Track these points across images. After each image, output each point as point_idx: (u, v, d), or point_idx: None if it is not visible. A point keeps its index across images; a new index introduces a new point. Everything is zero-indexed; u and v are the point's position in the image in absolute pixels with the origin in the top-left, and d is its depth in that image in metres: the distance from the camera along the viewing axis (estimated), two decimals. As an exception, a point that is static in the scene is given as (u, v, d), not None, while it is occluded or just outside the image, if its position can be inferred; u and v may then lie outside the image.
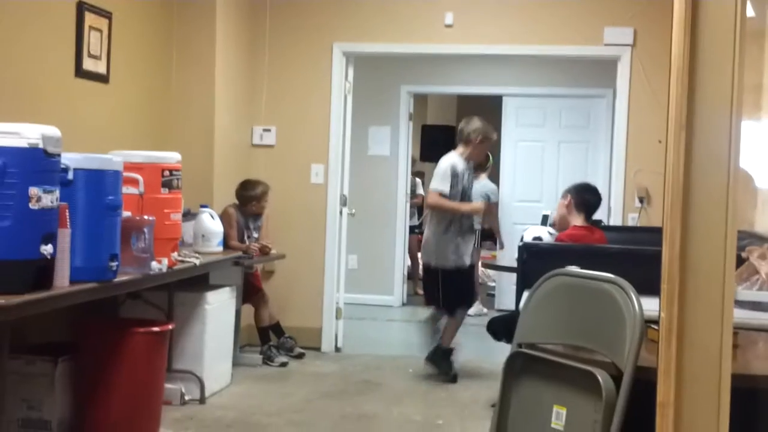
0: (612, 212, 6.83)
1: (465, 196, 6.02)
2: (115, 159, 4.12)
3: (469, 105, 13.02)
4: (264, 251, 6.14)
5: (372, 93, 8.75)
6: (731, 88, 2.05)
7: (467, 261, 6.03)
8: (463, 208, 5.98)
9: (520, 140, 9.04)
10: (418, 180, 10.39)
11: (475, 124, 6.16)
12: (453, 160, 6.00)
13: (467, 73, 8.94)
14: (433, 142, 12.64)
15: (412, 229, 9.72)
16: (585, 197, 5.10)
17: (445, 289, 6.00)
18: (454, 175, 5.93)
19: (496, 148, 10.49)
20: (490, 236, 11.64)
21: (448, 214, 5.94)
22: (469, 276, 6.22)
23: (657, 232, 2.28)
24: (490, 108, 10.43)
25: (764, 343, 3.10)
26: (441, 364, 6.02)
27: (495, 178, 9.33)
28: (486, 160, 8.89)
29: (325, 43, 6.86)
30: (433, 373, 5.98)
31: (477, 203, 6.23)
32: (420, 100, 11.20)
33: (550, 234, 5.48)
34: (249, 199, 6.19)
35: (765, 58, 5.34)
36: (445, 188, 5.89)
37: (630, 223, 6.62)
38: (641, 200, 6.63)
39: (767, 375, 2.72)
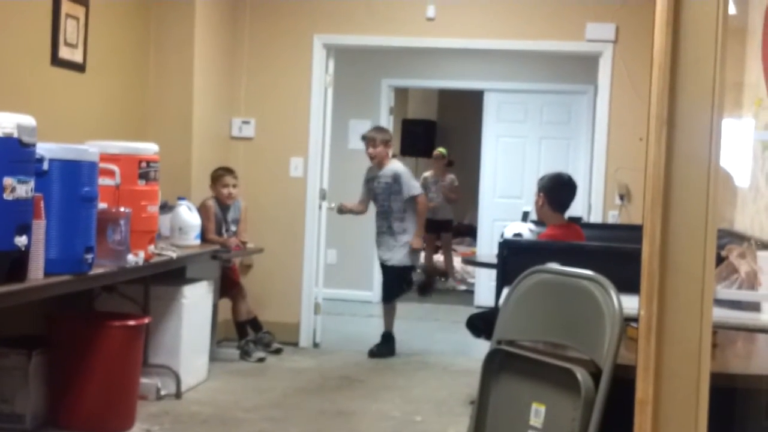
0: (592, 209, 6.83)
1: (375, 199, 6.74)
2: (91, 150, 4.07)
3: (450, 100, 13.04)
4: (241, 245, 6.10)
5: (353, 86, 8.71)
6: (713, 85, 2.04)
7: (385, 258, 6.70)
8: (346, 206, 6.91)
9: (501, 136, 9.04)
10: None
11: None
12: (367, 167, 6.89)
13: (449, 67, 8.93)
14: (414, 136, 12.64)
15: None
16: (558, 195, 4.96)
17: None
18: (366, 181, 6.81)
19: (469, 142, 10.55)
20: (469, 232, 11.68)
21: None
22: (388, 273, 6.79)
23: (637, 229, 2.27)
24: (471, 103, 10.45)
25: (743, 342, 3.10)
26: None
27: (476, 173, 9.34)
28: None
29: (305, 35, 6.82)
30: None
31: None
32: (401, 94, 11.18)
33: (531, 231, 5.47)
34: (212, 181, 6.15)
35: (746, 55, 5.35)
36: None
37: (610, 220, 6.63)
38: (621, 197, 6.63)
39: (746, 374, 2.72)
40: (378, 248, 6.76)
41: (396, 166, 6.71)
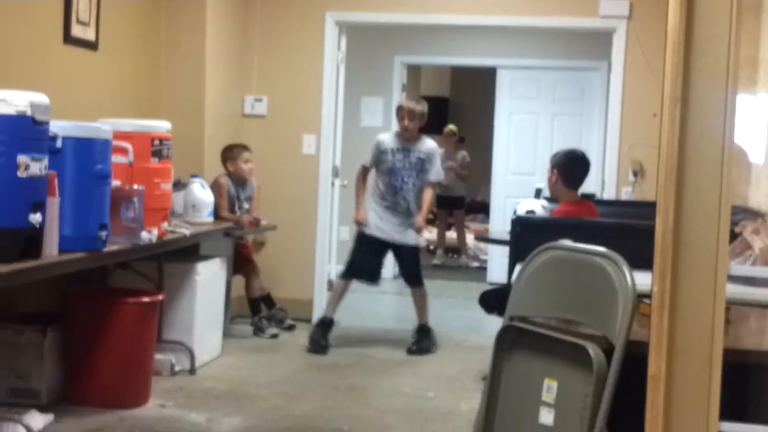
0: (605, 186, 6.81)
1: (392, 173, 6.04)
2: (104, 127, 4.08)
3: (464, 77, 13.00)
4: (254, 222, 6.11)
5: (365, 63, 8.67)
6: (727, 62, 2.03)
7: (373, 232, 6.05)
8: (359, 211, 6.11)
9: (514, 113, 9.01)
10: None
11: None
12: (380, 136, 6.23)
13: (462, 44, 8.88)
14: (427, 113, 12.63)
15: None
16: (571, 171, 4.95)
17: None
18: (381, 152, 6.08)
19: (482, 119, 10.51)
20: (482, 209, 11.68)
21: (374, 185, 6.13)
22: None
23: (651, 206, 2.26)
24: (484, 80, 10.41)
25: (756, 318, 3.10)
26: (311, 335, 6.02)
27: (488, 150, 9.31)
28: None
29: (317, 12, 6.80)
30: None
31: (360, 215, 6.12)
32: (413, 71, 11.15)
33: (544, 207, 5.46)
34: (225, 159, 6.14)
35: (761, 31, 5.31)
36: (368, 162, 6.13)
37: (623, 197, 6.60)
38: (635, 174, 6.61)
39: (758, 350, 2.72)
40: (382, 226, 6.04)
41: (432, 143, 6.24)
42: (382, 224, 6.04)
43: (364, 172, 6.13)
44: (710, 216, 2.05)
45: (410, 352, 6.00)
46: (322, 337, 5.97)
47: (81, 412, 4.30)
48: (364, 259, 6.08)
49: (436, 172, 6.16)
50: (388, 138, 6.13)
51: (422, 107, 6.16)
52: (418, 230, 6.12)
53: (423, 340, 6.08)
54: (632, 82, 6.61)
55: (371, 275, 6.16)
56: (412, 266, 6.20)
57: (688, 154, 2.05)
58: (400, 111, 6.11)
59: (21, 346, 4.29)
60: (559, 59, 8.69)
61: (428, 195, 6.13)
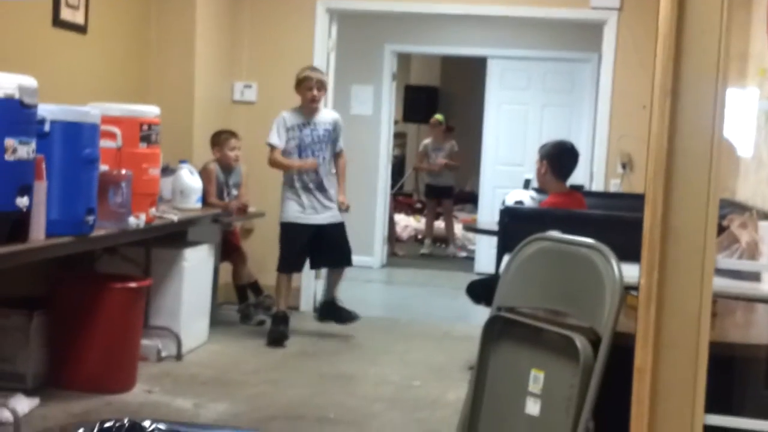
0: (594, 178, 6.82)
1: (302, 150, 5.84)
2: (92, 111, 4.06)
3: (454, 66, 12.99)
4: (242, 209, 6.10)
5: (355, 51, 8.65)
6: (718, 56, 2.03)
7: (308, 218, 5.86)
8: (294, 165, 5.82)
9: (504, 103, 9.00)
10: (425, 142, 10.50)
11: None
12: (282, 115, 5.87)
13: (452, 33, 8.87)
14: (416, 102, 12.61)
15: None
16: (560, 162, 4.96)
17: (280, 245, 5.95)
18: (288, 129, 5.82)
19: (472, 109, 10.51)
20: (470, 199, 11.69)
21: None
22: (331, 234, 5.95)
23: (639, 198, 2.27)
24: (474, 70, 10.40)
25: (742, 311, 3.11)
26: (271, 329, 5.85)
27: (478, 140, 9.31)
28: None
29: (308, -1, 6.78)
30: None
31: (308, 160, 5.84)
32: (404, 59, 11.14)
33: (532, 198, 5.47)
34: (214, 144, 6.10)
35: (752, 25, 5.32)
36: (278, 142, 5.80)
37: (612, 189, 6.62)
38: (624, 166, 6.62)
39: (745, 343, 2.73)
40: (312, 209, 5.85)
41: (334, 113, 6.10)
42: (302, 211, 5.85)
43: (278, 151, 5.81)
44: (698, 209, 2.05)
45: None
46: (281, 329, 5.83)
47: (67, 396, 4.29)
48: (296, 251, 5.92)
49: (339, 141, 5.96)
50: (289, 115, 5.85)
51: (325, 77, 6.04)
52: (345, 208, 5.99)
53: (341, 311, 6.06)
54: (622, 74, 6.62)
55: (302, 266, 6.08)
56: (344, 244, 6.02)
57: (678, 147, 2.05)
58: (307, 81, 5.80)
59: (7, 330, 4.28)
60: (549, 50, 8.69)
61: (342, 165, 6.00)
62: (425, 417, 4.46)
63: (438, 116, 10.44)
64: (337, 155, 5.97)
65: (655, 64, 2.04)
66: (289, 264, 5.94)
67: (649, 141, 2.06)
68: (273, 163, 5.88)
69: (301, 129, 5.83)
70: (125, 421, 1.45)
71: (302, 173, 5.82)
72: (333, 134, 5.91)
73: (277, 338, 5.75)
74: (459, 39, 8.95)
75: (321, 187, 5.87)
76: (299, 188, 5.85)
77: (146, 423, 1.46)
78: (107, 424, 1.42)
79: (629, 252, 2.50)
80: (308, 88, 5.80)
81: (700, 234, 2.05)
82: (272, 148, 5.82)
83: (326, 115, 5.99)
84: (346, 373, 5.16)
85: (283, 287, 5.95)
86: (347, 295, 6.29)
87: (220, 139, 6.11)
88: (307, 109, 5.85)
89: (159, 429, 1.44)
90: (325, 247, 5.95)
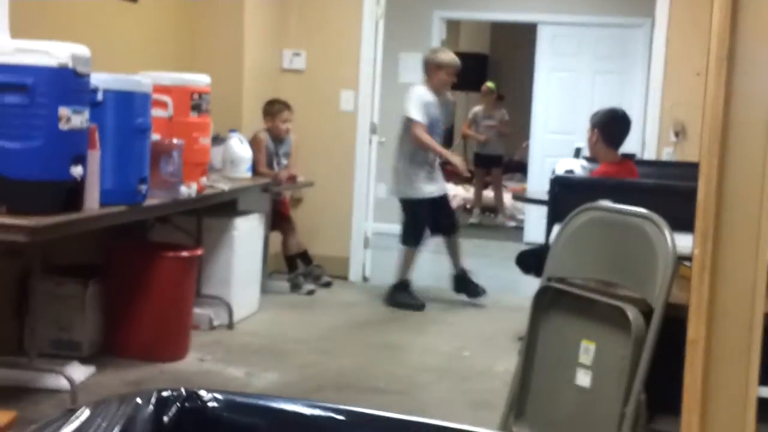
0: (646, 146, 6.73)
1: (433, 129, 6.05)
2: (144, 80, 4.09)
3: (503, 33, 12.86)
4: (292, 178, 6.13)
5: (403, 18, 8.60)
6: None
7: (434, 191, 6.12)
8: (444, 154, 6.13)
9: (554, 70, 8.89)
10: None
11: (432, 53, 6.29)
12: (419, 91, 6.05)
13: (501, -1, 8.78)
14: (466, 70, 12.48)
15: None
16: (612, 131, 4.90)
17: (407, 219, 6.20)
18: (424, 105, 5.99)
19: (521, 76, 10.41)
20: (519, 168, 11.60)
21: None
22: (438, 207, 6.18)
23: (692, 167, 2.23)
24: (524, 36, 10.28)
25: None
26: (399, 299, 6.06)
27: (527, 108, 9.23)
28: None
29: (357, -34, 6.74)
30: (401, 309, 6.00)
31: (457, 158, 6.28)
32: (453, 26, 11.03)
33: (583, 167, 5.40)
34: (266, 114, 6.15)
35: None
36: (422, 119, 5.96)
37: (665, 157, 6.52)
38: (677, 134, 6.52)
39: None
40: (434, 183, 6.13)
41: (448, 93, 6.39)
42: (430, 186, 6.10)
43: (423, 126, 5.96)
44: (754, 179, 2.02)
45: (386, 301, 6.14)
46: (410, 296, 6.11)
47: (121, 364, 4.36)
48: (424, 225, 6.16)
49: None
50: (425, 92, 6.06)
51: None
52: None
53: (398, 298, 6.13)
54: (676, 40, 6.50)
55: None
56: (453, 212, 6.45)
57: (733, 115, 2.01)
58: (452, 68, 6.08)
59: (63, 298, 4.35)
60: (601, 15, 8.56)
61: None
62: (474, 387, 4.46)
63: (489, 84, 10.35)
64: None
65: (710, 30, 2.00)
66: (418, 238, 6.16)
67: (705, 109, 2.02)
68: (417, 140, 5.97)
69: (433, 107, 6.05)
70: (182, 390, 1.46)
71: (429, 150, 6.04)
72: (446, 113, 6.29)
73: (413, 304, 6.02)
74: (508, 4, 8.86)
75: (436, 162, 6.17)
76: (427, 164, 6.08)
77: (202, 392, 1.47)
78: (164, 393, 1.44)
79: (682, 222, 2.47)
80: (451, 73, 6.08)
81: (755, 204, 2.01)
82: (415, 123, 5.95)
83: (447, 95, 6.30)
84: (395, 343, 5.18)
85: (411, 259, 6.18)
86: (395, 264, 6.29)
87: (273, 110, 6.13)
88: (440, 91, 6.11)
89: (216, 398, 1.46)
90: (439, 216, 6.19)
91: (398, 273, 6.19)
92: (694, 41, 6.19)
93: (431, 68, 6.09)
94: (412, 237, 6.14)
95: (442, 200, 6.22)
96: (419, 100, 5.96)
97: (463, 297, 6.27)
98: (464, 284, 6.30)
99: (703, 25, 2.05)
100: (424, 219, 6.13)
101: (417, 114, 5.93)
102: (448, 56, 6.14)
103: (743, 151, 2.02)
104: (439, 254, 6.62)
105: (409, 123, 5.98)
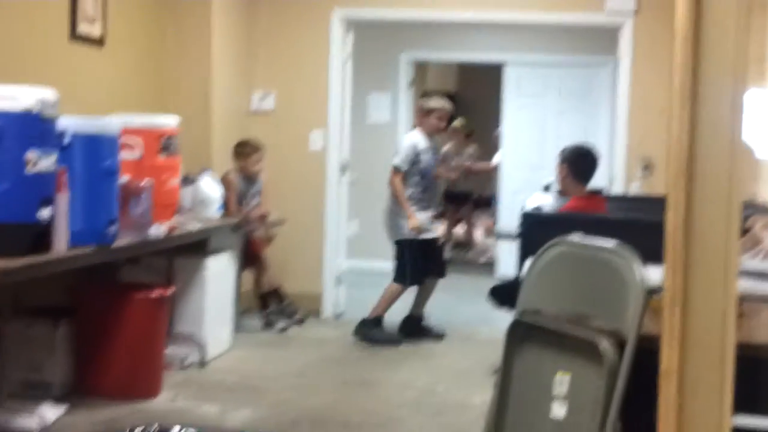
0: (614, 181, 6.81)
1: (427, 172, 6.16)
2: (112, 123, 4.10)
3: (470, 73, 12.98)
4: (262, 218, 6.14)
5: (372, 59, 8.67)
6: (736, 58, 2.03)
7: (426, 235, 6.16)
8: (410, 216, 6.04)
9: (522, 108, 8.99)
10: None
11: (423, 99, 6.60)
12: (414, 139, 6.17)
13: (468, 40, 8.88)
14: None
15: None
16: (581, 166, 4.99)
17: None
18: (416, 153, 6.09)
19: (489, 114, 10.49)
20: (489, 203, 11.66)
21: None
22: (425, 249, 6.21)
23: (660, 201, 2.27)
24: (491, 76, 10.38)
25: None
26: (375, 335, 6.07)
27: (495, 146, 9.30)
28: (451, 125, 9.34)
29: (324, 9, 6.80)
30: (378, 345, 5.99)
31: (416, 221, 6.07)
32: (420, 67, 11.13)
33: (552, 203, 5.46)
34: (237, 156, 6.18)
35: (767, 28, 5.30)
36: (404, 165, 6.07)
37: (632, 191, 6.60)
38: (645, 168, 6.60)
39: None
40: (429, 226, 6.20)
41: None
42: (429, 227, 6.20)
43: (402, 175, 6.06)
44: (721, 211, 2.05)
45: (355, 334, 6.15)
46: (385, 332, 6.12)
47: (93, 403, 4.32)
48: (423, 265, 6.18)
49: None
50: (419, 138, 6.17)
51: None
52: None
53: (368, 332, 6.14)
54: (640, 77, 6.61)
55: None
56: (442, 255, 6.49)
57: (698, 150, 2.05)
58: (442, 112, 6.22)
59: (33, 339, 4.32)
60: (565, 55, 8.68)
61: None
62: (450, 421, 4.46)
63: (458, 122, 10.42)
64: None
65: (673, 68, 2.05)
66: (414, 277, 6.19)
67: (669, 144, 2.06)
68: (392, 186, 6.12)
69: (427, 153, 6.17)
70: (155, 426, 1.46)
71: (428, 192, 6.21)
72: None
73: (391, 340, 6.06)
74: (475, 45, 8.96)
75: (436, 207, 6.42)
76: (425, 206, 6.18)
77: (175, 428, 1.47)
78: (137, 430, 1.44)
79: (650, 254, 2.50)
80: (441, 117, 6.24)
81: (722, 236, 2.05)
82: (394, 170, 6.08)
83: (435, 140, 6.49)
84: (369, 380, 5.17)
85: (395, 299, 6.20)
86: (368, 300, 6.29)
87: (244, 151, 6.16)
88: (432, 135, 6.28)
89: (190, 435, 1.46)
90: (430, 259, 6.24)
91: (377, 308, 6.17)
92: (658, 78, 6.30)
93: (422, 114, 6.24)
94: (407, 277, 6.17)
95: (434, 243, 6.25)
96: (412, 150, 6.08)
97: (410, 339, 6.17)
98: (419, 328, 6.26)
99: (666, 63, 2.10)
100: (418, 259, 6.14)
101: (401, 162, 6.05)
102: (438, 102, 6.32)
103: (709, 184, 2.05)
104: (412, 289, 6.63)
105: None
